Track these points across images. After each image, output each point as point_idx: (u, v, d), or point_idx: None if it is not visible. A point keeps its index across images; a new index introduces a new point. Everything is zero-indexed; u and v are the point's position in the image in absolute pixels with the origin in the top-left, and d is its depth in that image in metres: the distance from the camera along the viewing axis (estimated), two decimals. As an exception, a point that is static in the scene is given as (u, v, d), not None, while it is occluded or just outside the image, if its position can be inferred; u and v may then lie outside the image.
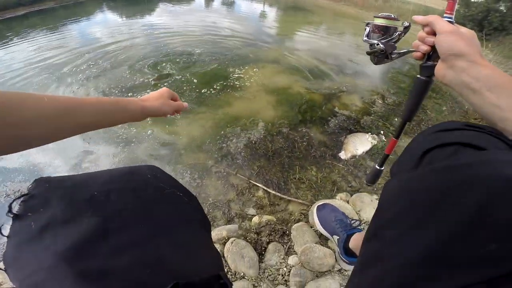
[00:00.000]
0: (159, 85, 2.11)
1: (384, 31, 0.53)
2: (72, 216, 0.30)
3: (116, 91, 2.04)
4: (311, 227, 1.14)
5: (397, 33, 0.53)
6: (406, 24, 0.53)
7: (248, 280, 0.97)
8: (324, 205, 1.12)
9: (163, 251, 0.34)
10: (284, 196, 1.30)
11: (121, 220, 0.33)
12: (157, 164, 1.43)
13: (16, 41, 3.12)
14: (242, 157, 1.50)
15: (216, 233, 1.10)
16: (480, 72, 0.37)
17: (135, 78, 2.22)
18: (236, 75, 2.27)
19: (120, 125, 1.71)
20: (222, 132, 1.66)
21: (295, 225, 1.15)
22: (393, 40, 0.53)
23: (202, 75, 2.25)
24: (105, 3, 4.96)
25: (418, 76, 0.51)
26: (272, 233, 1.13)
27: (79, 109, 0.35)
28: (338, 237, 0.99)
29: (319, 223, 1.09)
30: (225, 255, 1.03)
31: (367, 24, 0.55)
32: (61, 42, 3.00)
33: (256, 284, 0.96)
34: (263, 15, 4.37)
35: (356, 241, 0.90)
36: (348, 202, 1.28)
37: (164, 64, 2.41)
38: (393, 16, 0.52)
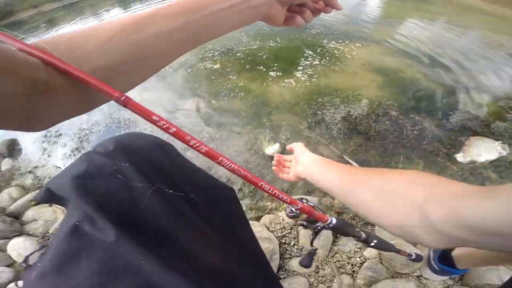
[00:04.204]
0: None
1: None
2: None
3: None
4: (406, 223, 0.98)
5: None
6: None
7: (314, 259, 0.89)
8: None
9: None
10: (379, 182, 1.14)
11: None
12: (247, 116, 1.43)
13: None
14: (338, 129, 1.37)
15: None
16: None
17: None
18: (334, 46, 2.08)
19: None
20: (320, 100, 1.54)
21: (385, 216, 1.00)
22: None
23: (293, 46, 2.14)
24: None
25: None
26: (355, 217, 1.02)
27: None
28: None
29: None
30: (299, 227, 0.96)
31: None
32: None
33: (320, 266, 0.88)
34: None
35: (462, 249, 0.76)
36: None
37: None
38: None
